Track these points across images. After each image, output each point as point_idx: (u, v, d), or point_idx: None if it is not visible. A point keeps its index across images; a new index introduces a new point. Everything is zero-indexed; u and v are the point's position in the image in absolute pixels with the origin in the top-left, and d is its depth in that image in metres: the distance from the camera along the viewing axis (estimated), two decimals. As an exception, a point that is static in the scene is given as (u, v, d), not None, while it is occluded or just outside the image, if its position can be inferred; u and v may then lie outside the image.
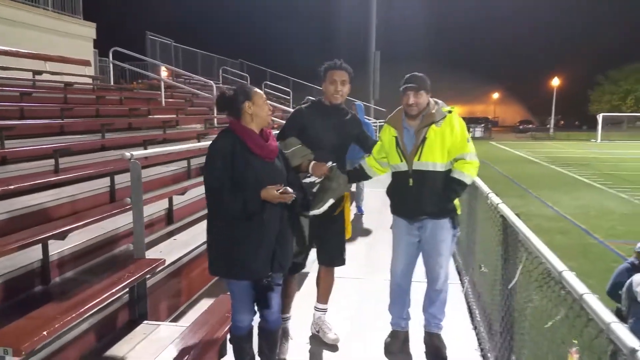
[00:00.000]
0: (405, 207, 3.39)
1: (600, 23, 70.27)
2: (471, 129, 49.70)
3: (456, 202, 3.37)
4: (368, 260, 5.60)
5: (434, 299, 3.47)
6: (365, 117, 8.30)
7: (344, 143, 3.60)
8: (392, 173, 3.50)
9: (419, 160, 3.26)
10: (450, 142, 3.23)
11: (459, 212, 3.40)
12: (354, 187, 8.31)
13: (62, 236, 3.55)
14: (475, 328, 3.88)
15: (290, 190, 2.71)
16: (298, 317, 3.83)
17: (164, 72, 13.63)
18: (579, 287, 1.66)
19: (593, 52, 69.05)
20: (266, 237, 2.75)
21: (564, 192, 16.25)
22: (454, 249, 3.47)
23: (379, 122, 14.80)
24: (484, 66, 79.12)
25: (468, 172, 3.26)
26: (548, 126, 54.25)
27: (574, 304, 1.69)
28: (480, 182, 4.14)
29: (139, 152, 3.70)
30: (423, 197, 3.28)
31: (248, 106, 2.76)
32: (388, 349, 3.56)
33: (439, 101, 3.41)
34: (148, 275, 3.58)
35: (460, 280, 4.97)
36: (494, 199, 3.33)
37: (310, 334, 3.79)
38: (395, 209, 3.51)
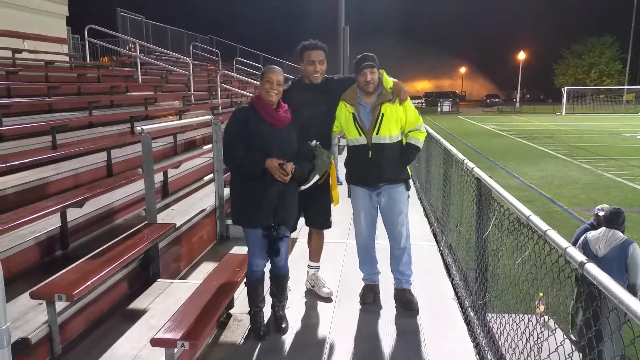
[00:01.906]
0: (366, 176, 3.80)
1: (565, -3, 71.73)
2: (439, 104, 50.57)
3: (408, 168, 3.84)
4: (349, 226, 6.04)
5: (399, 258, 3.90)
6: None
7: (326, 118, 3.82)
8: (349, 147, 3.87)
9: (377, 134, 3.67)
10: (404, 118, 3.70)
11: (410, 176, 3.87)
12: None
13: (79, 204, 3.84)
14: (452, 280, 4.38)
15: (289, 168, 3.22)
16: (294, 275, 4.24)
17: (138, 49, 13.56)
18: (542, 225, 2.11)
19: (558, 26, 70.34)
20: (268, 193, 3.26)
21: (529, 163, 17.06)
22: (413, 214, 3.88)
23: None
24: (451, 41, 79.84)
25: (421, 139, 3.81)
26: (514, 100, 55.54)
27: (540, 240, 2.14)
28: (455, 151, 4.61)
29: (149, 127, 3.99)
30: (383, 166, 3.71)
31: (260, 83, 3.32)
32: (363, 300, 4.00)
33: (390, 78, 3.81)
34: (160, 238, 3.92)
35: (437, 241, 5.47)
36: (469, 164, 3.79)
37: (306, 289, 4.23)
38: (355, 179, 3.91)
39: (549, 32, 69.97)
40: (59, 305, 2.78)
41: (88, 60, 11.81)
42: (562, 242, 1.89)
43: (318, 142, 3.57)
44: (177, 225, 4.67)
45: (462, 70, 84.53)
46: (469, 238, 3.88)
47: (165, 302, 3.57)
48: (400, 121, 3.70)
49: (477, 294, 3.44)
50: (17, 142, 5.61)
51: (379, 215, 3.92)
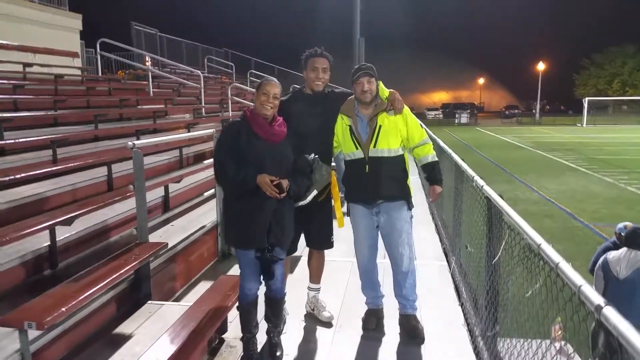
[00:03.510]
0: (363, 192, 3.56)
1: (585, 5, 70.71)
2: (457, 115, 50.04)
3: (410, 185, 3.59)
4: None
5: (402, 283, 3.62)
6: None
7: (326, 131, 3.62)
8: (346, 162, 3.63)
9: (374, 147, 3.45)
10: (404, 129, 3.48)
11: (412, 194, 3.60)
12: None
13: (68, 222, 3.68)
14: (462, 305, 4.10)
15: (284, 185, 3.01)
16: (294, 297, 4.02)
17: (149, 63, 13.62)
18: (555, 256, 1.86)
19: (578, 35, 69.46)
20: (262, 212, 3.05)
21: (549, 176, 16.60)
22: (411, 234, 3.63)
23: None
24: (469, 51, 79.36)
25: (432, 152, 3.60)
26: (534, 111, 54.67)
27: (551, 272, 1.89)
28: (466, 167, 4.35)
29: (140, 142, 3.84)
30: (380, 182, 3.47)
31: (255, 96, 3.15)
32: (366, 325, 3.75)
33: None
34: (151, 258, 3.74)
35: (447, 261, 5.19)
36: (479, 181, 3.53)
37: (305, 312, 3.99)
38: (352, 196, 3.67)
39: (569, 41, 69.17)
40: (34, 331, 2.60)
41: (100, 74, 11.85)
42: (576, 279, 1.64)
43: (317, 156, 3.36)
44: (175, 243, 4.52)
45: (481, 81, 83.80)
46: (478, 261, 3.61)
47: (154, 326, 3.37)
48: (400, 134, 3.48)
49: (486, 324, 3.17)
50: (19, 156, 5.54)
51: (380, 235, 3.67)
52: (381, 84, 3.54)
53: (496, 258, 2.79)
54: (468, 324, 3.78)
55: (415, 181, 3.58)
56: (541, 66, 55.85)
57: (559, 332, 3.82)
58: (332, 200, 3.80)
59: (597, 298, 1.52)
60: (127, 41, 14.93)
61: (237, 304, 3.30)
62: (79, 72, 10.91)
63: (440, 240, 5.97)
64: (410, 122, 3.51)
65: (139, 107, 9.94)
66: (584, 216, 11.32)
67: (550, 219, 11.31)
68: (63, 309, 2.55)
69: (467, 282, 4.31)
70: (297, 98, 3.70)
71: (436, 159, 3.60)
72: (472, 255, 4.00)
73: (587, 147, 25.42)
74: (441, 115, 56.71)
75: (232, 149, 3.05)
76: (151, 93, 11.33)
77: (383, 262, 4.01)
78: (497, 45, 78.15)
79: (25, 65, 9.07)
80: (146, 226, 3.78)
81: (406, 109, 3.55)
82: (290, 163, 3.19)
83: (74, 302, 2.66)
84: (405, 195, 3.56)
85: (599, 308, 1.47)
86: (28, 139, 5.50)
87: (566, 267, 1.75)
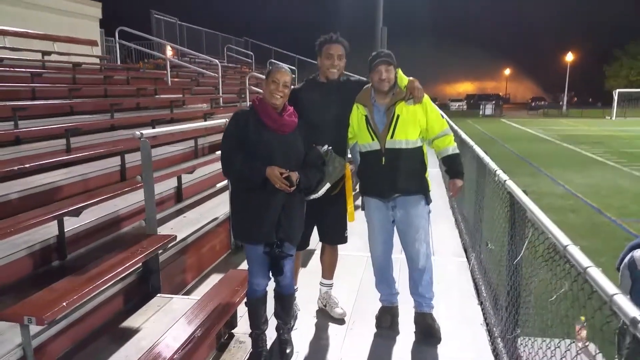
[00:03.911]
0: (378, 186, 3.38)
1: (616, -5, 68.45)
2: (481, 106, 49.21)
3: (428, 178, 3.40)
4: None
5: (418, 280, 3.46)
6: None
7: (341, 121, 3.46)
8: (362, 153, 3.46)
9: (391, 138, 3.27)
10: (424, 120, 3.29)
11: (430, 188, 3.42)
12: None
13: (76, 213, 3.62)
14: (481, 303, 3.93)
15: (294, 178, 2.87)
16: (306, 292, 3.91)
17: (169, 52, 13.58)
18: (583, 260, 1.68)
19: (610, 25, 67.34)
20: (270, 206, 2.92)
21: (575, 170, 16.13)
22: (430, 228, 3.44)
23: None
24: (495, 41, 77.79)
25: (453, 144, 3.40)
26: (561, 103, 53.49)
27: (578, 277, 1.72)
28: (488, 159, 4.15)
29: (148, 131, 3.75)
30: (397, 175, 3.29)
31: (265, 84, 2.98)
32: (379, 323, 3.61)
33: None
34: (160, 251, 3.66)
35: (467, 257, 5.01)
36: (502, 176, 3.34)
37: (317, 308, 3.87)
38: (367, 189, 3.50)
39: (600, 31, 67.14)
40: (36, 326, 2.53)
41: (119, 62, 11.85)
42: (609, 287, 1.47)
43: (330, 147, 3.22)
44: (187, 235, 4.42)
45: (507, 71, 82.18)
46: (499, 260, 3.43)
47: (162, 320, 3.29)
48: (419, 124, 3.29)
49: (506, 325, 3.00)
50: (33, 145, 5.51)
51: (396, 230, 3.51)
52: (400, 71, 3.35)
53: (518, 258, 2.61)
54: (487, 324, 3.61)
55: (435, 174, 3.39)
56: (570, 57, 54.46)
57: (583, 332, 3.63)
58: (346, 194, 3.65)
59: (632, 310, 1.35)
60: (147, 30, 14.95)
61: (245, 299, 3.20)
62: (97, 60, 10.90)
63: (460, 236, 5.78)
64: (430, 112, 3.32)
65: (157, 96, 9.89)
66: (610, 211, 10.94)
67: (575, 213, 10.97)
68: (64, 304, 2.47)
69: (487, 279, 4.12)
70: (310, 86, 3.55)
71: (457, 151, 3.41)
72: (493, 253, 3.81)
73: (615, 140, 24.68)
74: (465, 107, 55.89)
75: (239, 139, 2.92)
76: (169, 82, 11.27)
77: (399, 257, 3.85)
78: (524, 35, 76.51)
79: (44, 53, 9.07)
80: (155, 218, 3.69)
81: (426, 97, 3.35)
82: (301, 155, 3.04)
83: (75, 297, 2.58)
84: (423, 189, 3.38)
85: (634, 322, 1.30)
86: (41, 128, 5.47)
87: (596, 273, 1.57)
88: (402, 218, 3.40)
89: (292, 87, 3.59)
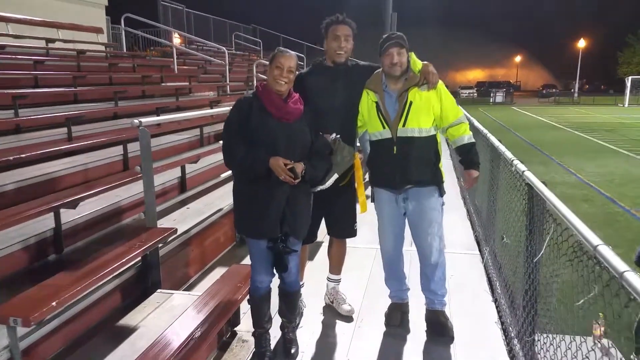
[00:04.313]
0: (389, 177, 3.19)
1: (630, -20, 66.88)
2: (492, 94, 48.63)
3: (441, 168, 3.21)
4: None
5: (430, 276, 3.28)
6: None
7: (350, 108, 3.27)
8: (372, 142, 3.27)
9: (403, 126, 3.07)
10: (438, 107, 3.10)
11: (444, 179, 3.23)
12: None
13: (73, 205, 3.49)
14: (495, 300, 3.75)
15: (299, 169, 2.71)
16: (312, 287, 3.76)
17: (176, 39, 13.40)
18: (618, 263, 1.50)
19: (622, 10, 65.94)
20: (274, 199, 2.77)
21: (588, 158, 15.84)
22: (442, 223, 3.26)
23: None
24: (505, 28, 76.56)
25: (469, 132, 3.20)
26: (572, 90, 52.70)
27: (612, 281, 1.54)
28: (503, 148, 3.96)
29: (147, 119, 3.59)
30: (409, 165, 3.10)
31: (269, 69, 2.80)
32: (389, 322, 3.44)
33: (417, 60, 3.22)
34: (160, 245, 3.52)
35: (480, 250, 4.82)
36: (520, 166, 3.14)
37: (324, 304, 3.72)
38: (378, 180, 3.31)
39: (612, 17, 65.86)
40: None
41: (125, 50, 11.69)
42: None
43: (338, 135, 3.05)
44: (190, 227, 4.28)
45: (517, 59, 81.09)
46: (516, 256, 3.25)
47: (161, 317, 3.14)
48: (432, 111, 3.09)
49: (524, 327, 2.83)
50: (34, 134, 5.38)
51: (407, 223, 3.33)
52: (413, 55, 3.15)
53: (538, 256, 2.43)
54: (502, 323, 3.44)
55: (445, 164, 3.21)
56: (581, 43, 53.54)
57: (601, 331, 3.46)
58: (356, 184, 3.48)
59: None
60: (154, 18, 14.74)
61: (247, 297, 3.05)
62: (103, 48, 10.74)
63: (473, 228, 5.59)
64: (445, 99, 3.12)
65: (163, 84, 9.74)
66: (625, 201, 10.71)
67: (588, 203, 10.75)
68: (53, 304, 2.33)
69: (502, 275, 3.95)
70: (316, 71, 3.37)
71: (473, 140, 3.20)
72: (508, 247, 3.63)
73: (629, 128, 24.25)
74: (475, 94, 55.25)
75: (241, 128, 2.75)
76: (176, 70, 11.12)
77: (410, 250, 3.69)
78: (535, 21, 75.23)
79: (48, 41, 8.93)
80: (154, 210, 3.54)
81: (441, 83, 3.15)
82: (307, 144, 2.86)
83: (67, 295, 2.44)
84: (436, 180, 3.18)
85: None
86: (42, 116, 5.34)
87: (636, 279, 1.39)
88: (414, 210, 3.21)
89: (298, 72, 3.44)
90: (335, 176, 3.11)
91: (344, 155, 3.10)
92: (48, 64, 7.49)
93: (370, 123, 3.21)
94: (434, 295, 3.33)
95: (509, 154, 3.61)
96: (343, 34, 3.17)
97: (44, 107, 6.21)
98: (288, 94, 2.82)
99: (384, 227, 3.38)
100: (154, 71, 10.31)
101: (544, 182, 2.65)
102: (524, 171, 2.97)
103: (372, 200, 3.42)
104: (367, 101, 3.20)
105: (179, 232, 4.07)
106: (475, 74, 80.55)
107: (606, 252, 1.58)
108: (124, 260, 2.98)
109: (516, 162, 3.25)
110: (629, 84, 41.55)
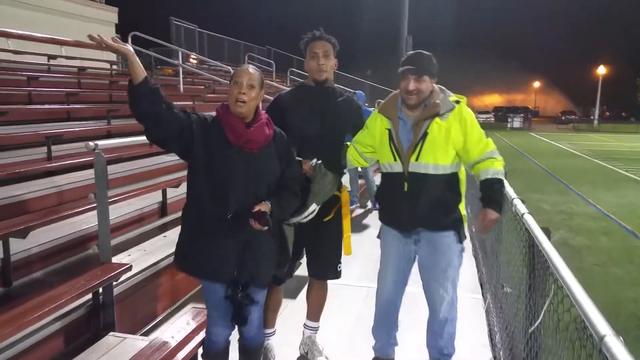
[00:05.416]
0: (398, 216, 2.78)
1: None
2: (509, 119, 48.00)
3: (462, 210, 2.75)
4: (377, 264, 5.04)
5: (438, 332, 2.83)
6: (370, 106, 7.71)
7: (334, 132, 2.95)
8: (383, 174, 2.89)
9: (416, 160, 2.65)
10: (460, 140, 2.64)
11: (465, 222, 2.77)
12: (361, 180, 7.70)
13: (23, 234, 3.15)
14: (494, 358, 3.29)
15: (265, 209, 2.31)
16: (285, 332, 3.35)
17: (193, 60, 13.31)
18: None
19: (644, 39, 65.14)
20: (228, 236, 2.35)
21: (607, 188, 15.16)
22: (458, 273, 2.80)
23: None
24: (524, 53, 76.18)
25: (500, 168, 2.68)
26: (592, 117, 51.77)
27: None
28: (505, 183, 3.53)
29: (104, 142, 3.26)
30: (420, 206, 2.67)
31: (229, 90, 2.42)
32: None
33: (445, 89, 2.77)
34: (115, 282, 3.15)
35: (482, 294, 4.36)
36: (520, 207, 2.71)
37: (299, 355, 3.30)
38: (385, 217, 2.91)
39: (634, 43, 64.96)
40: None
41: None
42: None
43: (319, 161, 2.70)
44: (160, 258, 3.91)
45: (536, 84, 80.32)
46: (515, 312, 2.80)
47: (106, 367, 2.77)
48: (453, 144, 2.65)
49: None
50: (13, 152, 5.12)
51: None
52: (449, 92, 2.74)
53: (535, 325, 2.00)
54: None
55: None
56: (602, 70, 52.76)
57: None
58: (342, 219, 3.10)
59: None
60: (167, 37, 14.74)
61: (202, 350, 2.66)
62: (108, 65, 10.64)
63: (477, 267, 5.12)
64: (470, 131, 2.66)
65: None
66: (648, 235, 10.08)
67: (608, 236, 10.13)
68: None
69: (504, 323, 3.48)
70: (297, 91, 3.06)
71: (500, 176, 2.69)
72: (510, 297, 3.18)
73: (651, 158, 23.43)
74: (493, 119, 54.61)
75: (185, 119, 2.31)
76: (182, 89, 10.95)
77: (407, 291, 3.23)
78: (554, 47, 74.73)
79: (50, 57, 8.81)
80: (109, 243, 3.18)
81: (470, 113, 2.71)
82: (275, 176, 2.47)
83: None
84: (454, 224, 2.73)
85: None
86: (22, 134, 5.10)
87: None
88: (425, 256, 2.78)
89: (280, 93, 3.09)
90: (314, 206, 2.73)
91: (324, 183, 2.72)
92: (42, 80, 7.30)
93: (381, 152, 2.82)
94: (439, 354, 2.87)
95: (511, 192, 3.12)
96: (322, 50, 2.85)
97: (32, 125, 5.98)
98: (254, 116, 2.43)
99: (386, 270, 2.94)
100: (160, 90, 10.13)
101: (546, 229, 2.23)
102: (523, 214, 2.54)
103: (379, 237, 3.02)
104: (380, 127, 2.81)
105: (148, 264, 3.75)
106: (493, 99, 79.95)
107: (615, 347, 1.17)
108: (63, 300, 2.63)
109: (517, 201, 2.81)
110: (651, 112, 40.64)
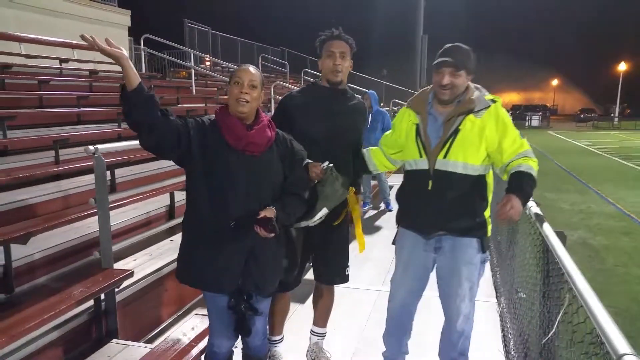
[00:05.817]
0: (419, 217, 2.60)
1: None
2: (527, 117, 47.34)
3: (487, 217, 2.56)
4: (389, 267, 4.91)
5: (454, 342, 2.65)
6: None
7: (345, 135, 2.84)
8: (406, 171, 2.71)
9: (444, 157, 2.47)
10: (495, 139, 2.45)
11: (489, 231, 2.59)
12: (374, 182, 7.57)
13: (24, 240, 3.10)
14: (508, 362, 3.15)
15: (271, 214, 2.21)
16: (292, 339, 3.26)
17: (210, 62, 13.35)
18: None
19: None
20: (231, 245, 2.25)
21: (628, 187, 14.78)
22: (477, 284, 2.62)
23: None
24: (542, 51, 75.09)
25: (535, 166, 2.44)
26: (612, 115, 50.76)
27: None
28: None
29: (105, 146, 3.21)
30: (444, 207, 2.49)
31: (228, 90, 2.31)
32: None
33: (481, 87, 2.59)
34: (117, 288, 3.10)
35: (497, 297, 4.21)
36: (534, 208, 2.56)
37: (306, 362, 3.21)
38: (404, 219, 2.72)
39: (656, 40, 63.62)
40: None
41: (144, 71, 11.63)
42: None
43: (331, 164, 2.57)
44: (165, 263, 3.85)
45: (555, 82, 79.10)
46: (529, 320, 2.67)
47: (107, 376, 2.71)
48: (486, 143, 2.46)
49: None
50: (22, 157, 5.12)
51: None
52: (486, 91, 2.58)
53: (548, 336, 1.87)
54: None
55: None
56: (622, 66, 51.74)
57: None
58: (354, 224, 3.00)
59: None
60: (180, 39, 14.78)
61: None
62: (120, 68, 10.66)
63: (492, 269, 4.96)
64: (506, 131, 2.47)
65: (179, 105, 9.52)
66: (670, 236, 9.77)
67: (629, 236, 9.83)
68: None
69: (518, 330, 3.34)
70: (308, 91, 2.94)
71: (533, 172, 2.40)
72: (524, 302, 3.04)
73: (674, 155, 22.84)
74: (510, 117, 53.99)
75: (183, 135, 2.18)
76: (194, 91, 10.96)
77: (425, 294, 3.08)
78: (573, 44, 73.49)
79: (62, 61, 8.85)
80: (110, 249, 3.12)
81: (505, 113, 2.53)
82: (278, 180, 2.37)
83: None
84: (478, 231, 2.54)
85: None
86: (29, 138, 5.09)
87: None
88: (445, 263, 2.60)
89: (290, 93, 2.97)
90: (325, 211, 2.63)
91: (335, 187, 2.60)
92: (54, 83, 7.32)
93: (406, 149, 2.66)
94: None
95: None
96: (339, 50, 2.73)
97: (42, 128, 5.99)
98: (254, 118, 2.33)
99: (400, 277, 2.76)
100: (172, 92, 10.15)
101: (561, 233, 2.10)
102: (537, 220, 2.39)
103: (394, 243, 2.85)
104: (407, 122, 2.65)
105: (153, 270, 3.69)
106: (511, 97, 78.96)
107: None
108: (63, 307, 2.57)
109: (533, 208, 2.64)
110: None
